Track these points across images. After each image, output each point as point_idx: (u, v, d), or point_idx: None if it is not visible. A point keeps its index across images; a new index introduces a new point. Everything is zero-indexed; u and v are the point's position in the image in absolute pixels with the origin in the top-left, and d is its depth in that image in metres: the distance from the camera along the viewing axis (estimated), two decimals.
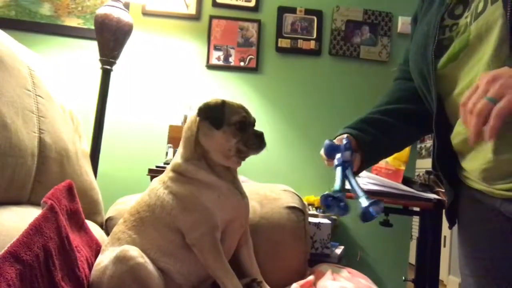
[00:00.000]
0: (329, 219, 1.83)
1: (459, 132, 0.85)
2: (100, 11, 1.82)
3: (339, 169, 0.87)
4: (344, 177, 0.86)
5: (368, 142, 0.96)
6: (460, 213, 0.94)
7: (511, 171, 0.75)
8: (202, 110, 1.09)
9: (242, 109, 1.11)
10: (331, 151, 0.92)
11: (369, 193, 1.54)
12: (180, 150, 1.14)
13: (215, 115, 1.08)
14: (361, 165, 0.97)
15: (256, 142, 1.08)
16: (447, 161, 0.93)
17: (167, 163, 1.79)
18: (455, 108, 0.86)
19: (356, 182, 0.85)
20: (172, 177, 1.10)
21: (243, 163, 1.12)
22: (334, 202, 0.83)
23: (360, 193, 0.80)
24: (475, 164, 0.83)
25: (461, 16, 0.84)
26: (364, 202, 0.78)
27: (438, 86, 0.87)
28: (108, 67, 1.87)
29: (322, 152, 0.95)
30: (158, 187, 1.10)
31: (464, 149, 0.86)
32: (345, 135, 0.95)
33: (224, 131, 1.07)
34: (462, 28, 0.82)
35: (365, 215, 0.78)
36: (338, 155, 0.89)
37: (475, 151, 0.82)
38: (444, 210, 0.97)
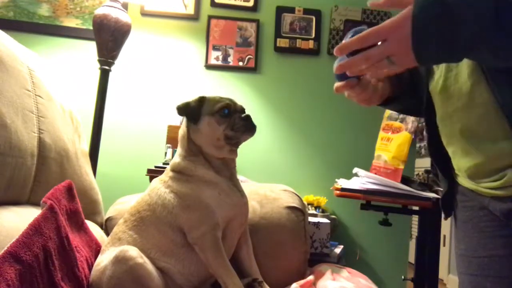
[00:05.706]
0: (328, 218, 1.84)
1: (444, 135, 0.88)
2: (99, 11, 1.82)
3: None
4: None
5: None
6: (455, 211, 0.96)
7: (494, 168, 0.77)
8: (179, 108, 1.11)
9: (226, 99, 1.12)
10: None
11: (368, 193, 1.54)
12: (178, 149, 1.15)
13: (191, 110, 1.09)
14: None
15: (243, 124, 1.08)
16: (440, 156, 0.94)
17: (166, 163, 1.78)
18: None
19: None
20: (172, 176, 1.10)
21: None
22: None
23: None
24: (461, 161, 0.85)
25: None
26: None
27: (427, 82, 0.89)
28: (107, 67, 1.86)
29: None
30: (159, 186, 1.10)
31: (451, 149, 0.88)
32: None
33: (209, 122, 1.08)
34: None
35: None
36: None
37: (460, 150, 0.84)
38: (440, 200, 0.99)
